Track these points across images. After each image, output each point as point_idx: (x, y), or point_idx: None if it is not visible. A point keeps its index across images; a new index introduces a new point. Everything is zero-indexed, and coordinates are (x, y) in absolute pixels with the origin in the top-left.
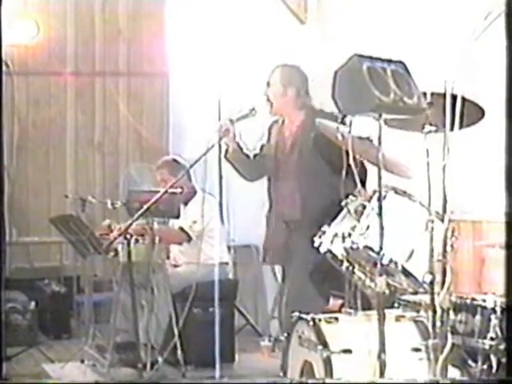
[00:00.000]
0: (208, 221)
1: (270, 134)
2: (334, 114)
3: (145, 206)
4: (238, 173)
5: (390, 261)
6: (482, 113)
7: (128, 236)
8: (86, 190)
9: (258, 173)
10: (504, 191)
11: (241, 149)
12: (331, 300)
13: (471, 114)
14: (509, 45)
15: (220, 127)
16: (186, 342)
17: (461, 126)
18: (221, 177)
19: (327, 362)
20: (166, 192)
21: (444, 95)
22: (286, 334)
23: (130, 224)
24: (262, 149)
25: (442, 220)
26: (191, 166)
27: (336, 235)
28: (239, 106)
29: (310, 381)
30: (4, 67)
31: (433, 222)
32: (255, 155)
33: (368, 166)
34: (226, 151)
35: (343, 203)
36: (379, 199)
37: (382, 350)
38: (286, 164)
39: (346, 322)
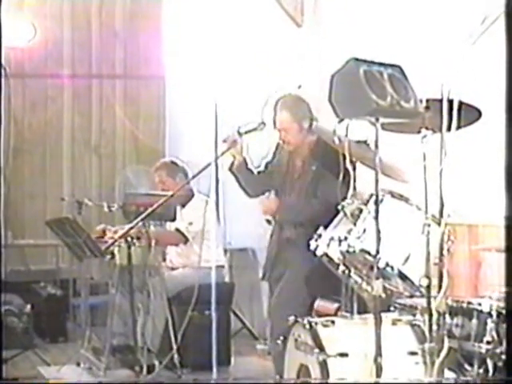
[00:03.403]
0: (204, 223)
1: (276, 153)
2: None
3: (142, 210)
4: (240, 187)
5: (387, 264)
6: (478, 114)
7: (129, 239)
8: (82, 193)
9: (260, 189)
10: (500, 195)
11: (246, 163)
12: (327, 303)
13: (467, 115)
14: (509, 45)
15: (227, 138)
16: (182, 345)
17: (458, 127)
18: (217, 180)
19: (323, 366)
20: (168, 197)
21: (440, 100)
22: (282, 338)
23: (131, 228)
24: (266, 166)
25: (439, 224)
26: (194, 177)
27: (332, 238)
28: (236, 110)
29: (312, 381)
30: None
31: (429, 225)
32: (259, 172)
33: (364, 169)
34: (232, 163)
35: (339, 207)
36: (376, 203)
37: (379, 353)
38: (299, 184)
39: (343, 326)
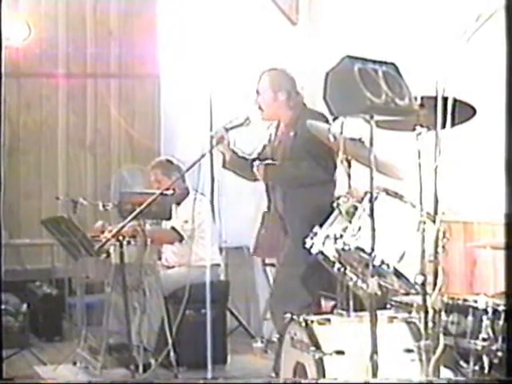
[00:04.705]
0: (200, 221)
1: (270, 134)
2: (323, 113)
3: (137, 208)
4: (240, 176)
5: (382, 262)
6: (473, 111)
7: (120, 238)
8: (77, 192)
9: None
10: (495, 192)
11: (236, 154)
12: (323, 301)
13: (462, 113)
14: (509, 42)
15: (215, 134)
16: (179, 343)
17: (452, 125)
18: (212, 178)
19: (319, 364)
20: (159, 195)
21: (435, 98)
22: (278, 336)
23: (123, 227)
24: (264, 149)
25: (434, 221)
26: (187, 170)
27: (328, 236)
28: (231, 109)
29: (302, 381)
30: None
31: (424, 223)
32: (258, 154)
33: (359, 167)
34: (224, 161)
35: (335, 204)
36: (371, 200)
37: (375, 351)
38: (280, 150)
39: (339, 324)
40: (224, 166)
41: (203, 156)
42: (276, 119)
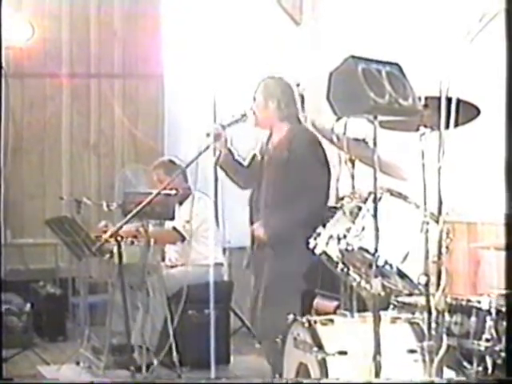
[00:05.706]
0: (202, 220)
1: (261, 142)
2: (317, 137)
3: (138, 208)
4: (230, 180)
5: (385, 262)
6: (477, 111)
7: (119, 238)
8: (81, 192)
9: (249, 181)
10: (499, 193)
11: (232, 154)
12: (326, 301)
13: (466, 113)
14: (509, 43)
15: (211, 131)
16: (182, 343)
17: (456, 125)
18: (216, 179)
19: (322, 364)
20: (159, 194)
21: (438, 98)
22: (280, 336)
23: (121, 226)
24: (253, 159)
25: (437, 221)
26: (186, 167)
27: (331, 237)
28: (233, 108)
29: (304, 381)
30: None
31: (428, 223)
32: (249, 164)
33: (363, 167)
34: (218, 158)
35: (339, 205)
36: (374, 201)
37: (378, 351)
38: (265, 176)
39: (342, 324)
40: (217, 164)
41: (200, 154)
42: (267, 128)
